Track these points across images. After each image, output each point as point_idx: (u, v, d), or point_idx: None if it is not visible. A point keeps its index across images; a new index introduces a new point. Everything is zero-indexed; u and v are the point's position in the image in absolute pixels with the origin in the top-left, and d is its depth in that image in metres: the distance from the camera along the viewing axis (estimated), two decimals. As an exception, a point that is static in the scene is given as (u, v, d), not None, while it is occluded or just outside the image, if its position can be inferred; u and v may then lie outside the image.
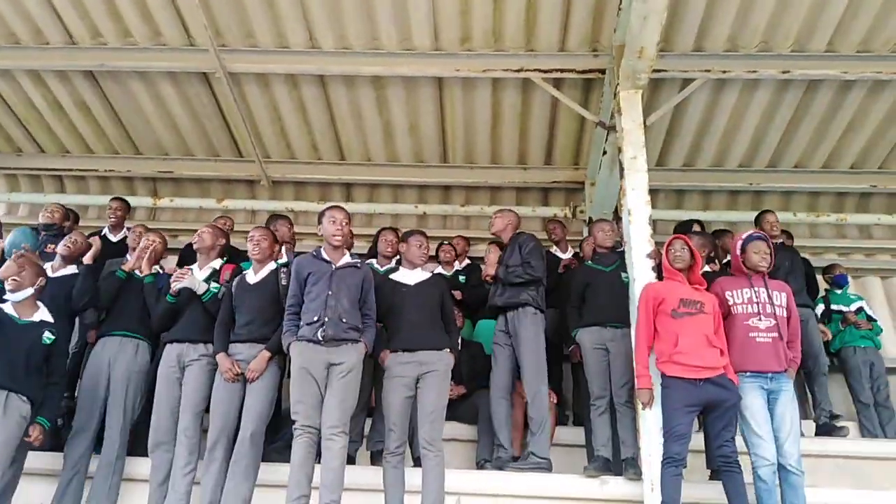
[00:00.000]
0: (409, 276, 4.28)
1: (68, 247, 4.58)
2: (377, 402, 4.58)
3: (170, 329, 4.29)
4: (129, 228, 5.68)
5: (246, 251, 4.46)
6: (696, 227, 5.76)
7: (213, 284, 4.32)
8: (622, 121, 5.03)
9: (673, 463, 3.70)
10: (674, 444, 3.72)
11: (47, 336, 3.75)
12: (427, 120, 6.58)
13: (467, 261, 6.22)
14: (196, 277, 4.29)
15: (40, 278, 3.88)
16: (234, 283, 4.22)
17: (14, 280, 3.72)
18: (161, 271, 4.64)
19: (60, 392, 4.00)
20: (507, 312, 4.54)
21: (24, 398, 3.58)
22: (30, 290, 3.81)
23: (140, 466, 4.18)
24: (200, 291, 4.26)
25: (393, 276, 4.32)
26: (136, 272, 4.50)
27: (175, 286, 4.22)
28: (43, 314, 3.82)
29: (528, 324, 4.41)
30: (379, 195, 7.59)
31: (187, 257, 5.47)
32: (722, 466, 3.75)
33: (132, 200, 7.37)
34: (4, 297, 3.87)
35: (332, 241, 4.05)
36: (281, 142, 6.96)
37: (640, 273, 4.37)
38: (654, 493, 3.83)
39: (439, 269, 5.78)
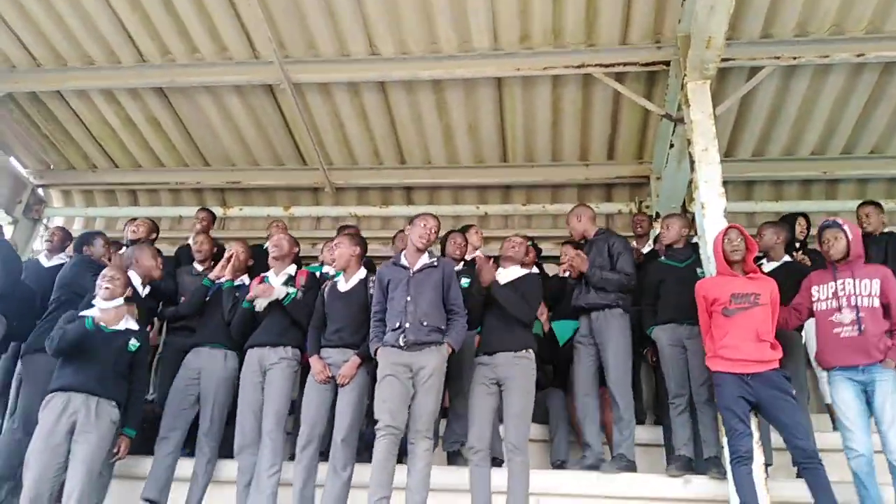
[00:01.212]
0: (503, 276, 4.26)
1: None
2: (451, 402, 4.61)
3: (249, 334, 4.39)
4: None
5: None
6: (802, 221, 5.60)
7: (291, 289, 4.41)
8: (691, 112, 4.94)
9: (741, 461, 3.63)
10: (735, 441, 3.66)
11: (132, 343, 3.90)
12: (486, 121, 6.58)
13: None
14: (275, 287, 4.38)
15: (128, 289, 4.04)
16: (326, 290, 4.31)
17: (107, 288, 3.88)
18: (246, 282, 4.76)
19: (142, 400, 4.15)
20: (590, 313, 4.49)
21: (114, 403, 3.73)
22: (120, 300, 3.97)
23: (225, 469, 4.31)
24: (281, 297, 4.35)
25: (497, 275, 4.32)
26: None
27: (259, 304, 4.32)
28: (128, 322, 3.97)
29: (615, 325, 4.36)
30: (439, 197, 7.61)
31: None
32: (800, 461, 3.64)
33: (203, 211, 7.64)
34: (93, 303, 4.04)
35: (417, 243, 4.11)
36: (343, 149, 7.07)
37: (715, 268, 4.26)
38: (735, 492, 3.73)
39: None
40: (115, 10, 5.70)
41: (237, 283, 4.76)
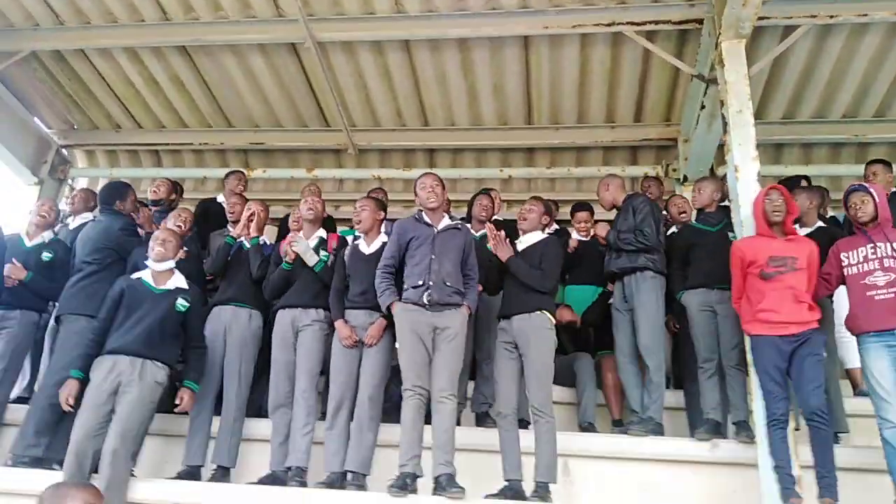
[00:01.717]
0: (522, 243, 4.24)
1: (179, 226, 4.74)
2: (479, 366, 4.64)
3: (281, 296, 4.41)
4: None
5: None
6: (804, 184, 5.50)
7: (323, 253, 4.43)
8: (725, 73, 4.80)
9: (777, 424, 3.63)
10: (772, 404, 3.65)
11: (181, 303, 3.93)
12: (512, 81, 6.48)
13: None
14: (308, 244, 4.39)
15: (181, 250, 4.08)
16: (348, 253, 4.31)
17: (160, 250, 3.92)
18: (266, 241, 4.78)
19: (203, 354, 4.17)
20: (623, 278, 4.48)
21: (160, 363, 3.78)
22: (171, 263, 4.01)
23: (259, 427, 4.38)
24: (311, 263, 4.36)
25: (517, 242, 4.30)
26: (243, 239, 4.64)
27: (290, 251, 4.32)
28: (178, 281, 4.00)
29: (646, 288, 4.34)
30: (462, 160, 7.57)
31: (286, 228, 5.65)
32: (806, 417, 3.62)
33: (225, 172, 7.64)
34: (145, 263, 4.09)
35: (428, 205, 4.10)
36: (366, 109, 7.01)
37: (749, 232, 4.21)
38: (765, 456, 3.75)
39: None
40: (138, -35, 5.63)
41: (261, 241, 4.75)
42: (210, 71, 6.64)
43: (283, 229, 6.02)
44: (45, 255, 4.84)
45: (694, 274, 4.51)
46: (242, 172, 6.37)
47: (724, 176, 4.76)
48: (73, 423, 3.67)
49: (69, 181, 7.68)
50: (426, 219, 4.10)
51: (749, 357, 3.95)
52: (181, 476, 4.09)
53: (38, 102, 7.27)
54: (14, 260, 4.66)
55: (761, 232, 3.97)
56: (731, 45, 4.85)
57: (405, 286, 3.94)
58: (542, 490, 3.70)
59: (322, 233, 4.63)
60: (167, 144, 7.61)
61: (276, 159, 7.74)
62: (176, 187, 6.17)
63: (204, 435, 4.25)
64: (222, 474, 4.12)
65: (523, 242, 4.26)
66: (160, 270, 4.02)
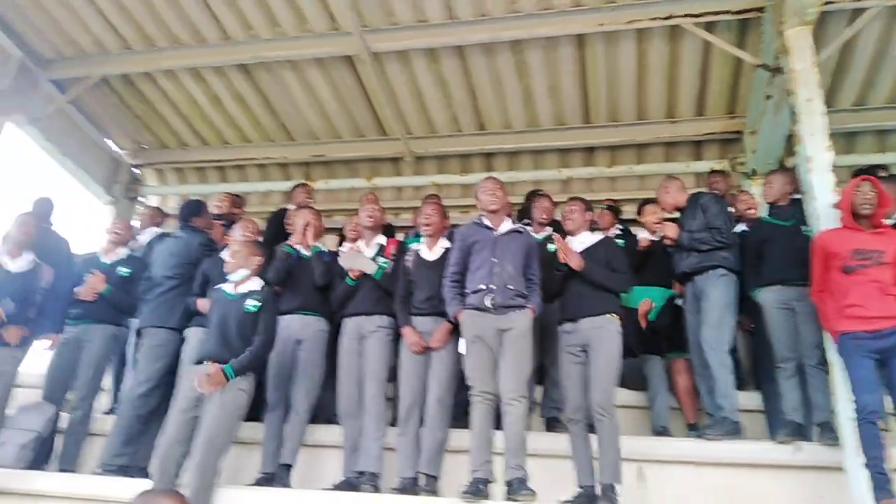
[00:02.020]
0: (575, 243, 4.19)
1: (247, 236, 4.85)
2: (547, 370, 4.60)
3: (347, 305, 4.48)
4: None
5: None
6: (882, 173, 5.25)
7: (382, 260, 4.47)
8: (791, 61, 4.65)
9: (867, 418, 3.46)
10: (862, 397, 3.49)
11: (250, 304, 4.00)
12: (568, 81, 6.41)
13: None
14: (367, 258, 4.44)
15: (257, 258, 4.20)
16: (410, 260, 4.34)
17: (230, 263, 4.05)
18: (324, 249, 4.85)
19: (258, 350, 4.04)
20: (693, 277, 4.38)
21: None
22: (245, 271, 4.12)
23: (329, 434, 4.45)
24: (370, 271, 4.41)
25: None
26: (300, 248, 4.72)
27: (352, 269, 4.38)
28: (251, 285, 4.11)
29: (716, 286, 4.25)
30: (520, 163, 7.54)
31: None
32: None
33: (289, 185, 7.80)
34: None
35: (489, 207, 4.11)
36: (422, 117, 7.05)
37: (825, 225, 4.04)
38: (853, 457, 3.59)
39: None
40: (198, -12, 5.82)
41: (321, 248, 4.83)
42: (270, 86, 6.80)
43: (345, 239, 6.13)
44: (122, 271, 5.04)
45: (769, 271, 4.34)
46: (308, 184, 6.49)
47: (795, 168, 4.59)
48: (157, 432, 3.80)
49: (141, 199, 8.00)
50: (487, 222, 4.09)
51: (831, 355, 3.79)
52: (258, 483, 4.18)
53: (109, 125, 7.59)
54: (95, 271, 4.87)
55: (847, 224, 3.81)
56: (796, 33, 4.70)
57: (468, 290, 3.94)
58: (609, 492, 3.63)
59: (381, 239, 4.68)
60: (232, 160, 7.83)
61: (336, 170, 7.88)
62: (237, 201, 6.34)
63: (278, 443, 4.32)
64: (283, 471, 4.19)
65: (580, 243, 4.19)
66: (235, 280, 4.13)
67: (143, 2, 5.94)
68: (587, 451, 3.76)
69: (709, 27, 5.65)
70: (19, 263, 4.17)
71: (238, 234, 4.90)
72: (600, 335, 3.84)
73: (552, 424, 4.51)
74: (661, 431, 4.55)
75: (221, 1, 5.88)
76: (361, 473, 4.02)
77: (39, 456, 4.57)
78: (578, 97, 6.60)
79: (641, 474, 4.03)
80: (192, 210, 5.08)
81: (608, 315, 3.89)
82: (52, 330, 4.76)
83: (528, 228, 4.97)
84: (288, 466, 4.22)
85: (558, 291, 4.13)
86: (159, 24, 6.17)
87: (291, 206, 6.15)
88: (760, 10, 5.35)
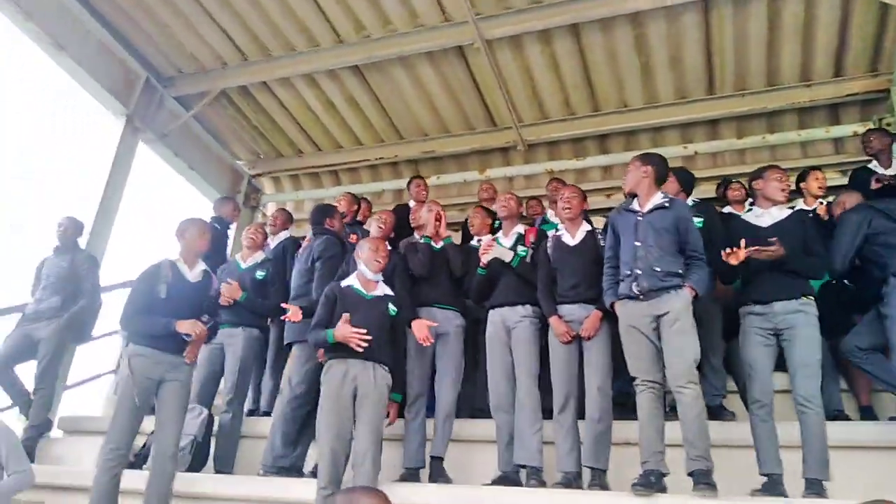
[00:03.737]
0: (765, 217, 3.88)
1: (381, 227, 4.81)
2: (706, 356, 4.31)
3: (488, 296, 4.36)
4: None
5: None
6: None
7: (521, 248, 4.33)
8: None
9: None
10: None
11: (392, 308, 3.99)
12: (691, 50, 6.07)
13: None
14: (500, 247, 4.32)
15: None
16: (551, 246, 4.18)
17: (376, 262, 4.01)
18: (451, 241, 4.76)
19: (404, 364, 4.22)
20: None
21: (386, 368, 3.83)
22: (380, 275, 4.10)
23: (476, 428, 4.36)
24: (508, 259, 4.28)
25: (746, 217, 3.97)
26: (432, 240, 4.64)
27: (484, 258, 4.28)
28: (384, 288, 4.07)
29: None
30: (637, 142, 7.22)
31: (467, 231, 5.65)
32: None
33: (400, 183, 7.83)
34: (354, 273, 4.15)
35: (625, 190, 3.95)
36: (533, 104, 6.89)
37: None
38: None
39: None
40: (313, -9, 5.88)
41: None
42: (381, 86, 6.81)
43: (465, 232, 6.05)
44: (259, 274, 5.14)
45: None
46: (423, 179, 6.46)
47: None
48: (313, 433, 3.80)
49: (261, 207, 8.22)
50: (633, 206, 3.86)
51: None
52: (403, 479, 4.13)
53: (228, 137, 7.85)
54: (229, 280, 4.98)
55: None
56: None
57: (620, 278, 3.74)
58: (816, 487, 3.35)
59: (520, 228, 4.53)
60: (345, 163, 7.93)
61: (446, 165, 7.84)
62: (357, 200, 6.37)
63: (421, 437, 4.25)
64: (437, 465, 4.12)
65: (766, 219, 3.85)
66: (369, 279, 4.07)
67: (259, 11, 6.07)
68: (774, 437, 3.47)
69: (848, -23, 5.20)
70: (195, 273, 4.22)
71: (374, 226, 4.81)
72: (799, 320, 3.56)
73: (715, 412, 4.22)
74: (837, 416, 4.19)
75: (334, 3, 5.93)
76: (521, 468, 3.89)
77: (197, 459, 4.70)
78: (702, 67, 6.24)
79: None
80: (324, 213, 5.11)
81: (805, 297, 3.60)
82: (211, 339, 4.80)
83: (679, 199, 4.63)
84: (440, 459, 4.14)
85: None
86: (275, 33, 6.30)
87: (412, 203, 6.14)
88: (912, -50, 4.87)
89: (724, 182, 5.77)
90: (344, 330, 3.72)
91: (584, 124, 7.05)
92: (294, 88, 7.01)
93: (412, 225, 5.25)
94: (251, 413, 5.48)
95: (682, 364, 3.45)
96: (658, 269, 3.59)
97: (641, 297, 3.59)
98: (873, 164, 5.15)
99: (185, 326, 3.86)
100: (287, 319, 4.38)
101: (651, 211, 3.77)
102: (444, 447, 4.18)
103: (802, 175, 5.09)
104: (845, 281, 4.38)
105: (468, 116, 7.16)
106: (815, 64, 6.10)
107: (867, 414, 4.37)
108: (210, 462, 4.72)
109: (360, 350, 3.69)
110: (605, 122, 6.98)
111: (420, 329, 4.12)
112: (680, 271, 3.62)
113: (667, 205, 3.76)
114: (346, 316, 3.76)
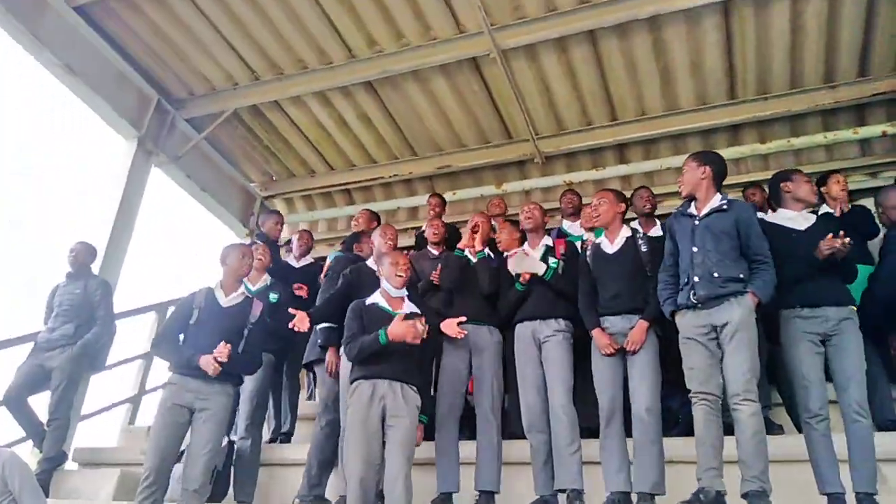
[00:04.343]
0: (798, 220, 3.69)
1: (388, 242, 4.64)
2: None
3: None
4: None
5: None
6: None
7: (552, 260, 4.17)
8: None
9: None
10: None
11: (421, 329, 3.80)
12: (712, 54, 5.93)
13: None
14: (535, 260, 4.16)
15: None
16: (590, 255, 4.02)
17: (398, 276, 3.86)
18: (490, 254, 4.60)
19: (430, 384, 4.05)
20: None
21: (415, 388, 3.65)
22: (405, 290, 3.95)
23: (510, 449, 4.15)
24: (541, 272, 4.12)
25: (775, 220, 3.78)
26: (468, 252, 4.49)
27: (518, 270, 4.12)
28: (411, 306, 3.91)
29: None
30: (656, 151, 7.08)
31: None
32: None
33: (414, 200, 7.71)
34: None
35: (682, 193, 3.75)
36: (549, 114, 6.75)
37: None
38: None
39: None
40: (324, 8, 5.77)
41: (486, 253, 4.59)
42: (395, 101, 6.70)
43: (491, 246, 5.88)
44: (272, 296, 4.97)
45: None
46: (438, 196, 6.34)
47: None
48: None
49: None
50: (691, 209, 3.67)
51: None
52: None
53: (240, 158, 7.75)
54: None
55: None
56: None
57: (680, 287, 3.56)
58: (867, 502, 3.13)
59: (548, 240, 4.38)
60: (358, 182, 7.79)
61: (461, 180, 7.69)
62: (375, 216, 6.23)
63: (454, 460, 4.08)
64: (487, 500, 3.89)
65: (806, 220, 3.68)
66: (394, 296, 3.93)
67: (271, 29, 5.99)
68: (833, 452, 3.27)
69: (875, -28, 5.07)
70: (230, 298, 4.10)
71: (379, 240, 4.67)
72: (848, 326, 3.39)
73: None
74: (890, 426, 3.97)
75: (347, 19, 5.84)
76: (560, 491, 3.68)
77: (218, 489, 4.52)
78: (723, 71, 6.09)
79: (882, 475, 3.47)
80: (353, 239, 5.04)
81: (852, 306, 3.44)
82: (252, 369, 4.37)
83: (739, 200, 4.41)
84: (492, 494, 3.93)
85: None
86: (287, 50, 6.21)
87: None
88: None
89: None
90: (401, 326, 3.55)
91: (602, 134, 6.90)
92: (306, 107, 6.91)
93: (431, 240, 5.11)
94: (272, 440, 5.32)
95: (738, 378, 3.26)
96: (717, 275, 3.40)
97: (700, 305, 3.41)
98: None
99: (202, 362, 3.73)
100: (294, 327, 4.19)
101: (708, 214, 3.58)
102: (497, 480, 3.96)
103: (823, 179, 4.93)
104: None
105: (483, 130, 7.04)
106: (840, 64, 5.94)
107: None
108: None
109: (418, 342, 3.56)
110: (624, 130, 6.83)
111: (450, 327, 4.01)
112: (742, 276, 3.42)
113: (725, 207, 3.57)
114: (401, 314, 3.63)
